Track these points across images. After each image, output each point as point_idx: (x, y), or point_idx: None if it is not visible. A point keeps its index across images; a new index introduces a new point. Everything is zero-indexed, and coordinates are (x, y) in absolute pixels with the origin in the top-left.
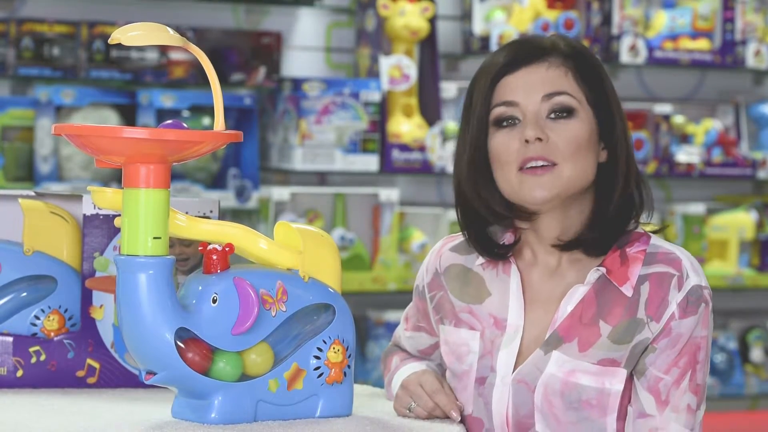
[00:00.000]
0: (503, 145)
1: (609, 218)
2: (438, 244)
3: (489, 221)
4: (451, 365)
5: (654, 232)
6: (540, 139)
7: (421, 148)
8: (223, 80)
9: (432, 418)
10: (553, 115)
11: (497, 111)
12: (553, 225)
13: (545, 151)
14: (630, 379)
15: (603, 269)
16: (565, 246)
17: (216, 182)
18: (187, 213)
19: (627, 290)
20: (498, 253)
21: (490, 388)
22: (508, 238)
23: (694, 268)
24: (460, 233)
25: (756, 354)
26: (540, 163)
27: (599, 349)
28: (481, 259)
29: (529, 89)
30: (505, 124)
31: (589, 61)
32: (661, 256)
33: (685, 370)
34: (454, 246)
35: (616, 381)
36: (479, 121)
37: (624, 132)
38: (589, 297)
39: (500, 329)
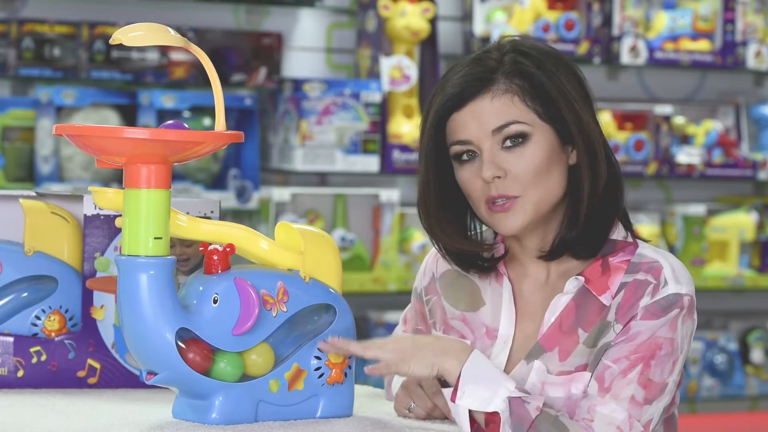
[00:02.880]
0: (469, 181)
1: (586, 215)
2: (435, 248)
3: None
4: None
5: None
6: (499, 177)
7: None
8: (224, 81)
9: (431, 418)
10: (508, 143)
11: (454, 149)
12: (534, 236)
13: (505, 188)
14: None
15: (582, 278)
16: (548, 255)
17: (216, 183)
18: (188, 213)
19: (606, 299)
20: (484, 266)
21: None
22: (498, 249)
23: (676, 276)
24: None
25: (756, 355)
26: (502, 200)
27: (576, 356)
28: None
29: (477, 125)
30: (465, 158)
31: (537, 74)
32: (644, 266)
33: (635, 363)
34: None
35: (581, 385)
36: (426, 158)
37: (585, 128)
38: (570, 306)
39: (491, 339)
